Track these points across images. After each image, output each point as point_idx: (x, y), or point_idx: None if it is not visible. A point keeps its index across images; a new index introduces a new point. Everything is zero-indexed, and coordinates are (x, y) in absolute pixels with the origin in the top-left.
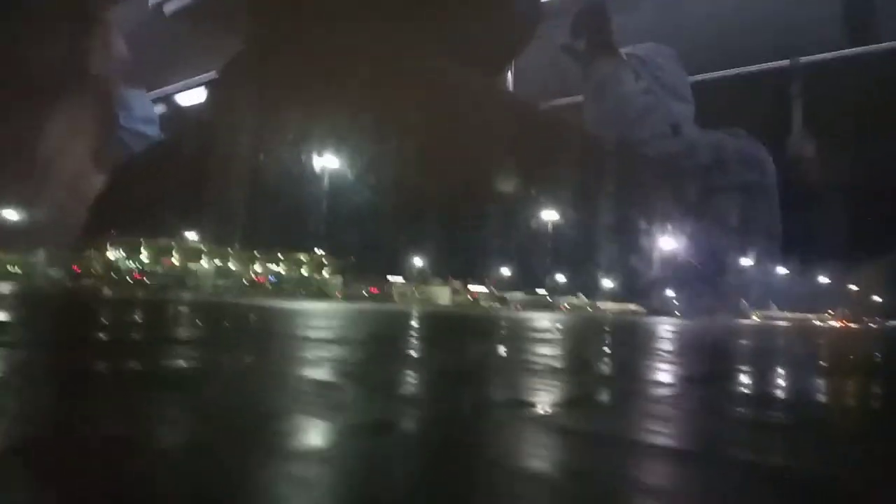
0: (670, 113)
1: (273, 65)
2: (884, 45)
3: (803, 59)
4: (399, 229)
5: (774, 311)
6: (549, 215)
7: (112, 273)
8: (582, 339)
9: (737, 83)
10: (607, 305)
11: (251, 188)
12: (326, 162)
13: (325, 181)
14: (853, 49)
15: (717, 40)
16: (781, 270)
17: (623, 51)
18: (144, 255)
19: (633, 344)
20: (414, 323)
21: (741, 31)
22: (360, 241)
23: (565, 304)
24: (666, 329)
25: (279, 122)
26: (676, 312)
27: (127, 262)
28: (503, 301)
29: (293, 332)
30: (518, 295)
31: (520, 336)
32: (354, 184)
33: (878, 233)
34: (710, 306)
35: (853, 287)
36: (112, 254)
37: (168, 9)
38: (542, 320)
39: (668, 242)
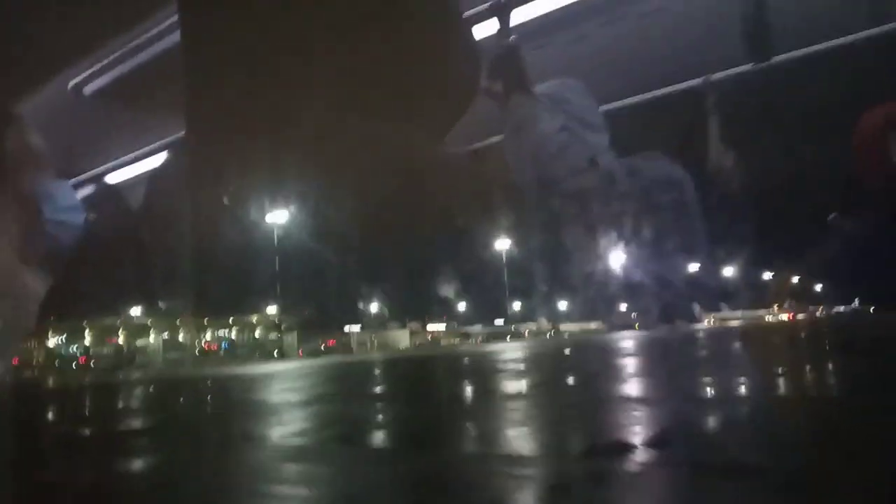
0: (586, 146)
1: (211, 131)
2: (779, 57)
3: (714, 76)
4: (351, 279)
5: (727, 313)
6: (497, 249)
7: (55, 361)
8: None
9: (651, 107)
10: (568, 327)
11: (196, 255)
12: (275, 218)
13: (274, 239)
14: (754, 64)
15: (627, 67)
16: (726, 273)
17: (536, 89)
18: (88, 338)
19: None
20: (376, 372)
21: (649, 57)
22: (314, 296)
23: (527, 331)
24: (633, 343)
25: (219, 186)
26: (636, 326)
27: (70, 347)
28: (465, 336)
29: (250, 405)
30: (478, 328)
31: (501, 370)
32: (302, 239)
33: (805, 228)
34: (665, 316)
35: (794, 279)
36: (53, 341)
37: (88, 90)
38: (510, 350)
39: (612, 262)
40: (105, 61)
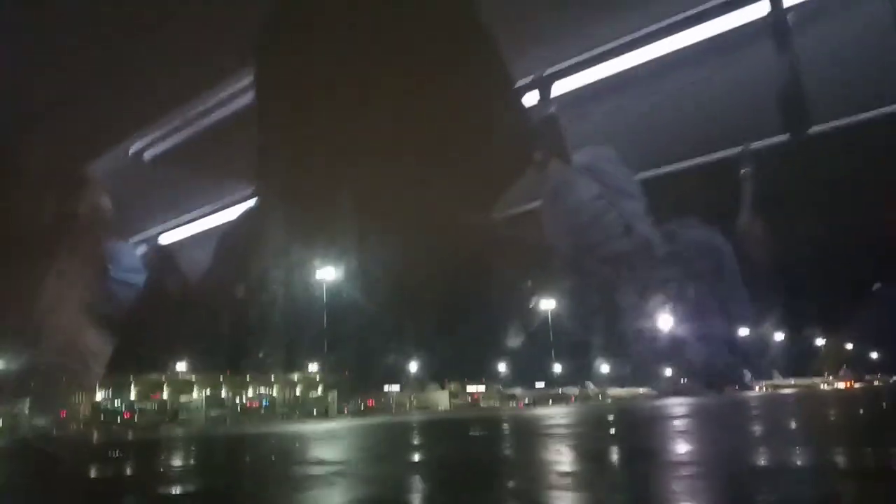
0: (622, 213)
1: (276, 195)
2: (816, 128)
3: (752, 146)
4: (391, 340)
5: (779, 380)
6: (537, 313)
7: (100, 415)
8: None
9: (688, 176)
10: (616, 392)
11: (242, 314)
12: (324, 275)
13: (323, 297)
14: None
15: (663, 137)
16: (777, 339)
17: (573, 158)
18: (133, 393)
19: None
20: (432, 434)
21: (685, 127)
22: (354, 356)
23: (574, 396)
24: (690, 410)
25: (271, 248)
26: (684, 391)
27: (115, 402)
28: (509, 398)
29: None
30: (518, 391)
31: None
32: (345, 299)
33: (847, 296)
34: (715, 382)
35: (848, 346)
36: (100, 395)
37: (147, 156)
38: (560, 416)
39: (658, 327)
40: (164, 129)
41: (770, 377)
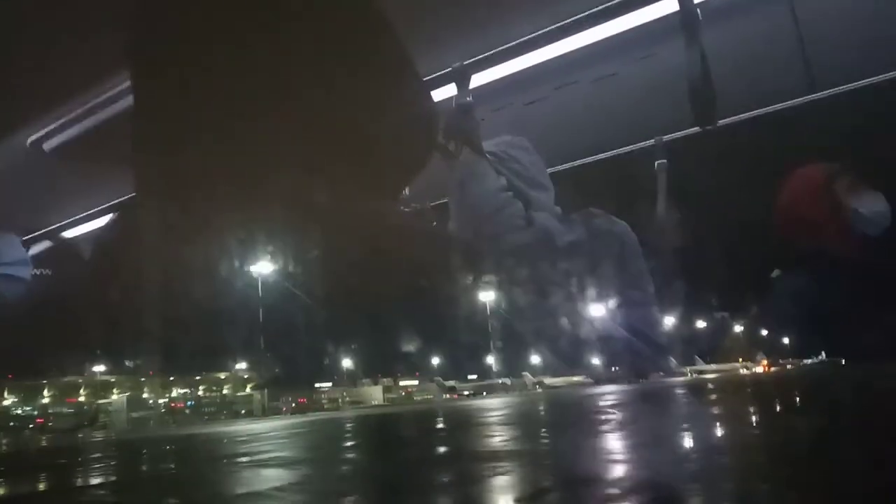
0: (527, 204)
1: (166, 191)
2: (724, 121)
3: (664, 138)
4: (319, 337)
5: (701, 365)
6: (472, 305)
7: (9, 422)
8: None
9: (600, 168)
10: (552, 381)
11: (161, 313)
12: (259, 269)
13: (258, 291)
14: (700, 128)
15: (579, 129)
16: (696, 326)
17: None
18: (46, 398)
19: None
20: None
21: (600, 120)
22: (282, 354)
23: (510, 385)
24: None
25: (188, 241)
26: (616, 379)
27: (24, 407)
28: (452, 390)
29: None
30: (459, 383)
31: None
32: (272, 297)
33: (757, 282)
34: (640, 369)
35: (764, 332)
36: (8, 400)
37: (48, 146)
38: (509, 406)
39: (579, 318)
40: (66, 118)
41: (692, 363)
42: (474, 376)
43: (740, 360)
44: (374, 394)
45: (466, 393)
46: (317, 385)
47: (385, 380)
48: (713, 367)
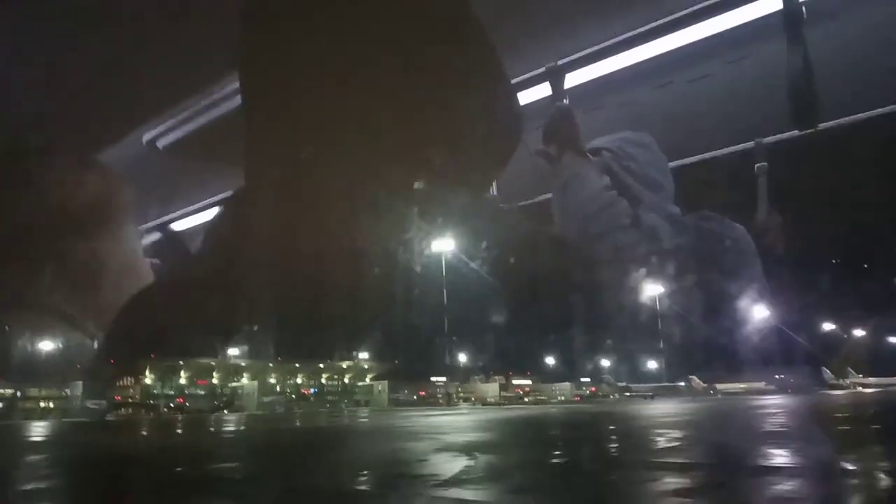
0: (637, 203)
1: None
2: (830, 122)
3: (766, 139)
4: (438, 331)
5: (855, 377)
6: (641, 297)
7: (150, 400)
8: None
9: (700, 169)
10: (729, 386)
11: (293, 300)
12: (441, 247)
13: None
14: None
15: (675, 130)
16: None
17: (594, 143)
18: (183, 378)
19: None
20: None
21: (696, 121)
22: (403, 345)
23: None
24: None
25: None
26: (799, 387)
27: (163, 386)
28: (623, 391)
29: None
30: (606, 382)
31: None
32: (399, 291)
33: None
34: (810, 379)
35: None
36: (150, 379)
37: (161, 143)
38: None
39: (757, 321)
40: (180, 117)
41: (844, 375)
42: (587, 379)
43: None
44: (491, 391)
45: (649, 395)
46: (433, 379)
47: (497, 377)
48: (873, 380)
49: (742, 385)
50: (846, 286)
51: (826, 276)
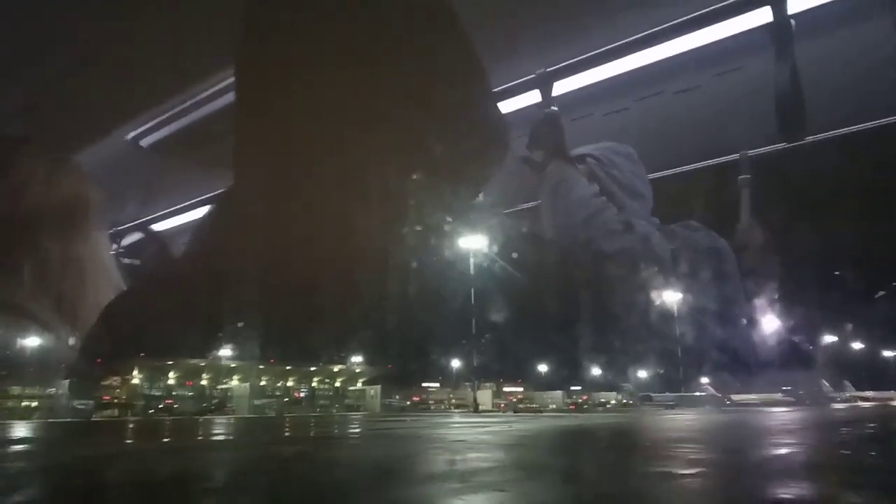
0: (625, 211)
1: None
2: (816, 136)
3: (749, 152)
4: (431, 337)
5: (853, 391)
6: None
7: (139, 400)
8: None
9: (684, 180)
10: (744, 397)
11: (284, 300)
12: (469, 244)
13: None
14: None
15: (662, 141)
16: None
17: (579, 150)
18: (171, 379)
19: None
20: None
21: (683, 132)
22: (396, 350)
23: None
24: None
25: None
26: (810, 400)
27: (152, 388)
28: (647, 399)
29: None
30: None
31: None
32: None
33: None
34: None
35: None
36: (138, 379)
37: (145, 142)
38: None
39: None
40: (164, 116)
41: (841, 388)
42: (578, 387)
43: None
44: (484, 398)
45: (671, 404)
46: (424, 384)
47: (488, 384)
48: (871, 393)
49: (755, 396)
50: (830, 298)
51: (813, 288)
